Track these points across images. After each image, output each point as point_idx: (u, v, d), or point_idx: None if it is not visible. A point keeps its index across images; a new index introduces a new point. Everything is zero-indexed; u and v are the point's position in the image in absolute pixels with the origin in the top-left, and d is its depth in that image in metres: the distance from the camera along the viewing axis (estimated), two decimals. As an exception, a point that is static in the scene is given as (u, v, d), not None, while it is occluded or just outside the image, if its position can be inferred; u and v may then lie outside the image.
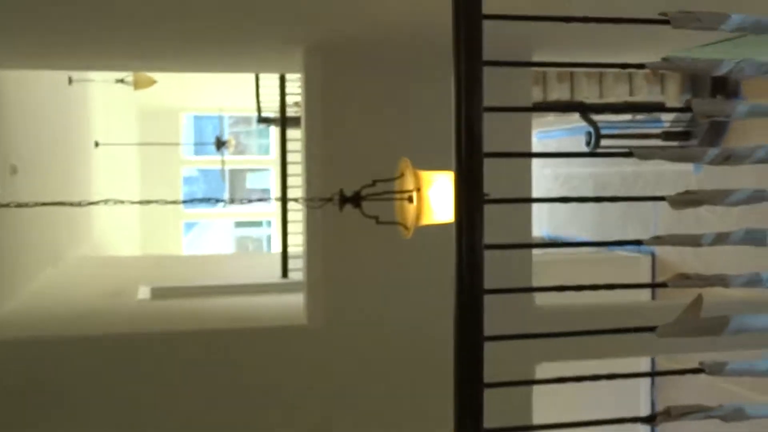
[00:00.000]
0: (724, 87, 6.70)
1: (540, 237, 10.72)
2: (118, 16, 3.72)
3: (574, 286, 1.66)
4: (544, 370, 4.33)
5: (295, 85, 6.70)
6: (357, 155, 4.33)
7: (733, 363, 1.66)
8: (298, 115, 5.96)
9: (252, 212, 16.47)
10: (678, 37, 4.12)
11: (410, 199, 2.78)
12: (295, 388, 4.48)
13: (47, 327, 4.85)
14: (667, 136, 7.15)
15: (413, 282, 4.34)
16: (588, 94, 7.09)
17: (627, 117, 7.32)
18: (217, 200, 2.84)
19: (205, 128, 17.46)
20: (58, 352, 4.34)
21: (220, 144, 11.20)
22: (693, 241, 1.66)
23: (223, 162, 11.62)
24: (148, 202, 2.69)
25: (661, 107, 6.89)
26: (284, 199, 5.58)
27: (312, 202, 2.90)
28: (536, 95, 7.16)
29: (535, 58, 4.41)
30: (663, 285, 1.64)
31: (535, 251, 7.85)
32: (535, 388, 4.75)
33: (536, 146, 10.95)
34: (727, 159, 1.62)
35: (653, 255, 8.22)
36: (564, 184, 10.43)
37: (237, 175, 17.62)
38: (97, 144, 10.72)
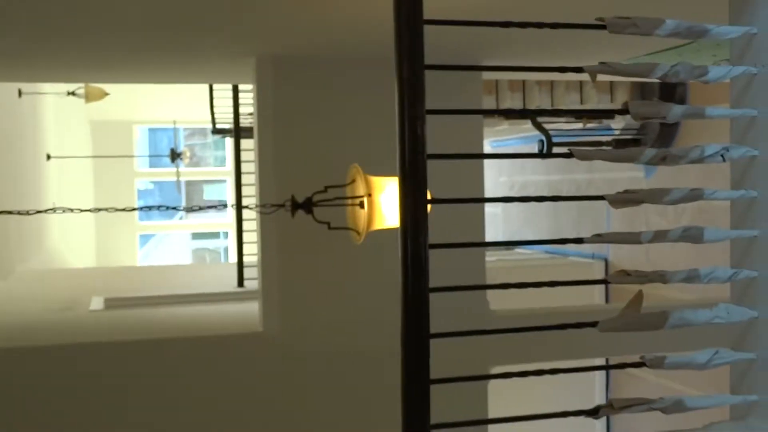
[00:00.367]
0: (671, 96, 6.85)
1: (496, 244, 10.81)
2: (65, 28, 3.70)
3: (519, 284, 1.70)
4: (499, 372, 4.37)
5: (249, 95, 6.69)
6: (310, 163, 4.35)
7: (673, 356, 1.71)
8: (252, 125, 5.97)
9: (209, 223, 16.39)
10: (641, 44, 4.23)
11: (361, 205, 2.81)
12: (250, 395, 4.47)
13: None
14: (617, 143, 7.29)
15: (367, 287, 4.36)
16: (540, 103, 7.20)
17: (578, 125, 7.45)
18: (168, 207, 2.84)
19: (160, 140, 17.33)
20: (6, 363, 4.28)
21: (174, 156, 11.13)
22: (633, 239, 1.71)
23: (178, 174, 11.54)
24: (98, 209, 2.68)
25: (606, 112, 7.01)
26: (239, 207, 5.57)
27: (264, 208, 2.92)
28: (489, 104, 7.24)
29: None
30: (605, 282, 1.68)
31: (491, 258, 7.94)
32: (493, 393, 4.81)
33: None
34: (664, 159, 1.68)
35: (606, 261, 8.35)
36: (520, 191, 10.56)
37: (193, 187, 17.51)
38: (48, 157, 10.59)
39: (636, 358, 1.79)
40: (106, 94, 9.42)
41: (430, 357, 1.55)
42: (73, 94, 9.30)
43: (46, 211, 2.63)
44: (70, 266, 11.02)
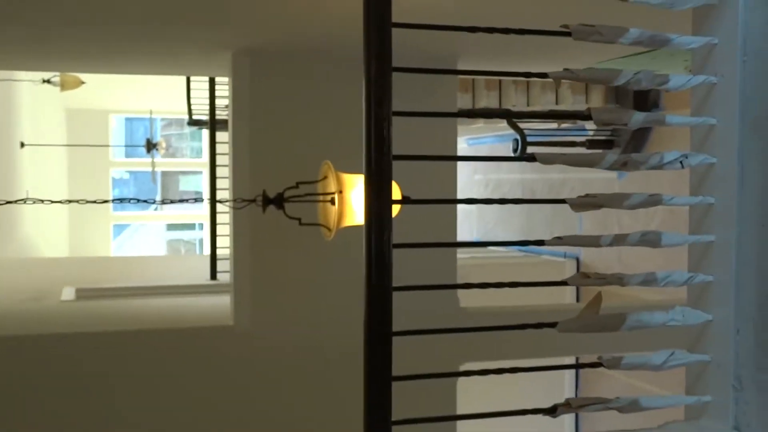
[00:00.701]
0: (645, 98, 6.92)
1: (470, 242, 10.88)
2: (42, 18, 3.69)
3: (481, 284, 1.73)
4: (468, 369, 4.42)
5: (225, 87, 6.69)
6: (284, 157, 4.37)
7: (629, 357, 1.75)
8: (228, 117, 5.96)
9: (184, 215, 16.33)
10: (615, 47, 4.28)
11: (332, 202, 2.84)
12: (220, 387, 4.49)
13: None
14: (591, 144, 7.35)
15: (337, 283, 4.39)
16: (515, 102, 7.25)
17: (553, 125, 7.50)
18: (140, 200, 2.85)
19: (137, 130, 17.24)
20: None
21: (150, 146, 11.08)
22: (593, 242, 1.75)
23: (153, 164, 11.49)
24: (69, 201, 2.68)
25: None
26: (212, 201, 5.57)
27: (236, 203, 2.93)
28: (465, 103, 7.28)
29: (461, 66, 4.51)
30: (563, 283, 1.72)
31: (465, 255, 7.99)
32: (466, 389, 4.85)
33: (467, 152, 11.12)
34: (624, 165, 1.72)
35: (578, 260, 8.42)
36: (494, 190, 10.62)
37: (169, 178, 17.44)
38: (22, 144, 10.50)
39: (622, 355, 1.83)
40: (82, 82, 9.35)
41: (392, 354, 1.58)
42: (48, 82, 9.23)
43: (16, 201, 2.63)
44: (43, 255, 10.95)
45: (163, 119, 16.43)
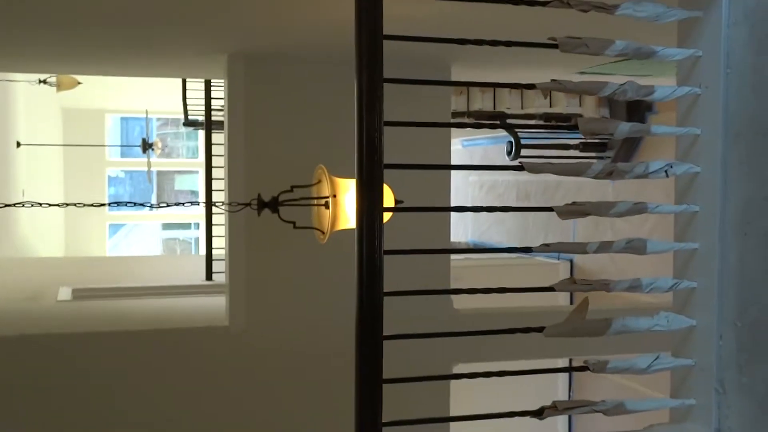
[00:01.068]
0: (639, 103, 6.97)
1: (466, 243, 10.93)
2: (39, 21, 3.72)
3: (469, 290, 1.77)
4: (461, 371, 4.47)
5: (221, 88, 6.72)
6: (278, 160, 4.41)
7: (615, 361, 1.79)
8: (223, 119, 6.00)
9: (180, 214, 16.34)
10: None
11: (326, 205, 2.87)
12: (214, 387, 4.52)
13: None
14: (585, 146, 7.40)
15: (331, 284, 4.42)
16: (510, 105, 7.29)
17: (548, 126, 7.54)
18: (136, 204, 2.88)
19: (132, 129, 17.25)
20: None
21: (146, 146, 11.10)
22: (579, 248, 1.79)
23: (149, 164, 11.51)
24: (67, 204, 2.72)
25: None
26: (208, 203, 5.61)
27: (231, 206, 2.97)
28: (460, 105, 7.33)
29: (454, 72, 4.55)
30: (550, 289, 1.76)
31: (459, 257, 8.03)
32: (461, 390, 4.89)
33: (462, 153, 11.17)
34: (610, 174, 1.76)
35: (572, 261, 8.47)
36: (489, 191, 10.66)
37: (165, 177, 17.45)
38: (18, 144, 10.52)
39: (608, 357, 1.87)
40: (79, 83, 9.37)
41: (383, 357, 1.62)
42: (44, 82, 9.25)
43: (15, 204, 2.67)
44: (39, 255, 10.97)
45: (158, 119, 16.45)
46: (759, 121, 1.69)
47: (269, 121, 4.53)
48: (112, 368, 4.42)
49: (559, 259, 8.47)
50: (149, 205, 3.03)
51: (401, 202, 2.81)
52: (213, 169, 6.65)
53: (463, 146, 11.04)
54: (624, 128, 1.75)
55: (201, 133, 12.51)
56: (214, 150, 6.68)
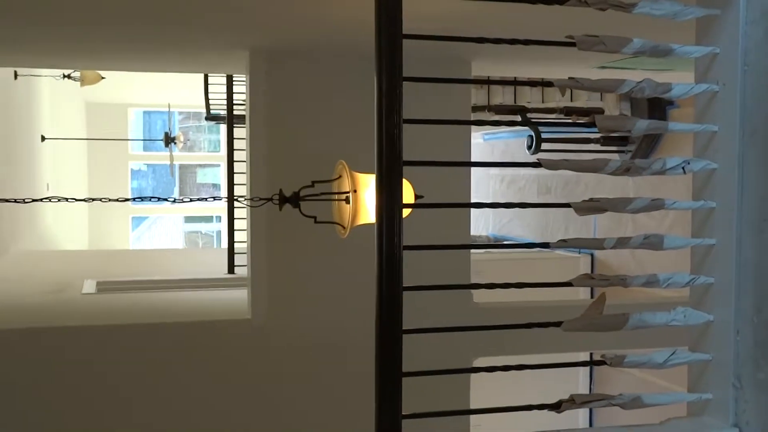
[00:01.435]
0: (660, 97, 6.93)
1: (486, 236, 10.93)
2: (65, 18, 3.78)
3: (487, 285, 1.79)
4: (481, 364, 4.49)
5: (242, 83, 6.77)
6: (299, 155, 4.44)
7: (633, 356, 1.81)
8: (245, 112, 6.04)
9: (202, 207, 16.44)
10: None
11: (347, 200, 2.90)
12: (237, 379, 4.57)
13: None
14: (606, 140, 7.38)
15: (351, 278, 4.45)
16: (530, 99, 7.29)
17: (568, 121, 7.53)
18: (160, 198, 2.93)
19: (155, 123, 17.37)
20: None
21: (168, 140, 11.18)
22: (597, 244, 1.81)
23: (171, 158, 11.60)
24: (92, 199, 2.77)
25: (599, 113, 7.10)
26: (230, 198, 5.66)
27: (253, 201, 3.01)
28: (480, 99, 7.34)
29: (474, 67, 4.56)
30: (568, 284, 1.78)
31: (479, 250, 8.04)
32: (482, 382, 4.91)
33: (483, 147, 11.16)
34: (627, 170, 1.78)
35: (592, 255, 8.46)
36: (510, 185, 10.66)
37: (187, 170, 17.58)
38: (43, 138, 10.65)
39: (627, 351, 1.89)
40: (102, 77, 9.47)
41: (402, 351, 1.65)
42: (68, 77, 9.36)
43: (41, 200, 2.72)
44: (63, 248, 11.10)
45: (180, 113, 16.56)
46: (776, 118, 1.70)
47: (290, 117, 4.56)
48: (136, 360, 4.49)
49: (579, 252, 8.46)
50: (172, 200, 3.07)
51: (421, 196, 2.84)
52: (234, 164, 6.70)
53: (484, 140, 11.04)
54: (641, 125, 1.76)
55: (222, 127, 12.61)
56: (236, 144, 6.72)
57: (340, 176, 2.98)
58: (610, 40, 1.72)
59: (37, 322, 4.75)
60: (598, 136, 7.39)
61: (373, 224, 2.98)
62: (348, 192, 2.89)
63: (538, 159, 1.69)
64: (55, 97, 11.99)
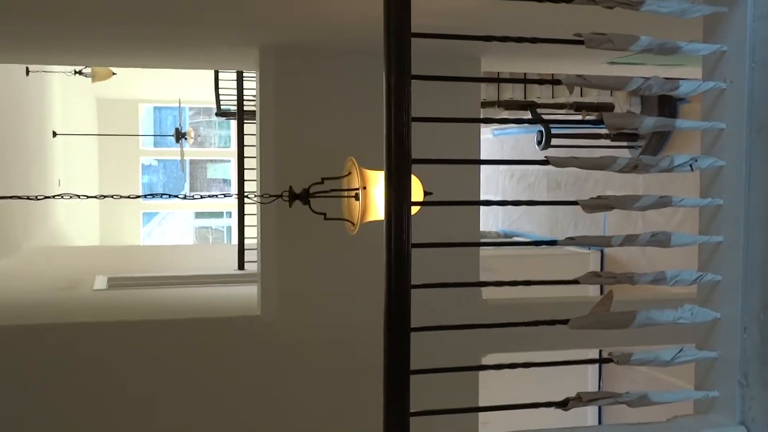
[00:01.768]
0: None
1: (495, 232, 10.93)
2: (76, 15, 3.80)
3: (496, 282, 1.80)
4: (489, 361, 4.50)
5: (253, 79, 6.78)
6: (309, 152, 4.46)
7: (639, 353, 1.82)
8: (255, 108, 6.06)
9: (212, 203, 16.49)
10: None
11: (356, 197, 2.91)
12: (246, 376, 4.60)
13: (0, 316, 4.91)
14: (616, 136, 7.37)
15: (361, 274, 4.46)
16: (540, 95, 7.28)
17: (578, 117, 7.52)
18: (171, 195, 2.95)
19: (165, 118, 17.43)
20: (11, 341, 4.40)
21: (179, 135, 11.23)
22: (604, 242, 1.82)
23: (182, 153, 11.64)
24: (104, 196, 2.79)
25: (609, 108, 7.09)
26: (240, 195, 5.68)
27: (263, 198, 3.02)
28: (490, 95, 7.33)
29: (484, 63, 4.56)
30: (575, 282, 1.79)
31: (489, 246, 8.04)
32: (490, 379, 4.93)
33: (493, 142, 11.15)
34: (635, 168, 1.78)
35: (602, 251, 8.45)
36: (520, 180, 10.65)
37: (198, 165, 17.63)
38: (54, 134, 10.71)
39: (636, 349, 1.90)
40: (113, 73, 9.51)
41: (410, 348, 1.66)
42: (80, 73, 9.40)
43: (54, 197, 2.74)
44: (75, 244, 11.16)
45: (191, 108, 16.61)
46: (784, 115, 1.70)
47: (300, 113, 4.58)
48: (147, 356, 4.51)
49: (589, 249, 8.45)
50: (183, 196, 3.09)
51: (430, 193, 2.85)
52: (245, 159, 6.72)
53: (493, 135, 11.03)
54: (649, 123, 1.76)
55: (233, 123, 12.65)
56: (246, 140, 6.74)
57: (350, 173, 2.99)
58: (618, 38, 1.73)
59: (49, 318, 4.78)
60: (607, 131, 7.37)
61: (382, 221, 3.00)
62: (357, 189, 2.90)
63: (546, 157, 1.70)
64: (67, 93, 12.05)
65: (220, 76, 8.18)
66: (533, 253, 8.12)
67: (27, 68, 8.74)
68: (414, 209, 1.67)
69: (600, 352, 7.97)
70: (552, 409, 1.80)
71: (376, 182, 2.94)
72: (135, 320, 4.67)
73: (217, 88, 8.15)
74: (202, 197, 3.08)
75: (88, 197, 2.68)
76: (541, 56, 4.81)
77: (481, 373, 4.91)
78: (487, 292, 4.96)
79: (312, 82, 4.57)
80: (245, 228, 6.72)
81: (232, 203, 13.68)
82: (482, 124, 6.80)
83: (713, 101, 1.84)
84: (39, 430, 4.40)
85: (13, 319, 4.74)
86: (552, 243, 1.79)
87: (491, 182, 11.09)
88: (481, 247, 5.27)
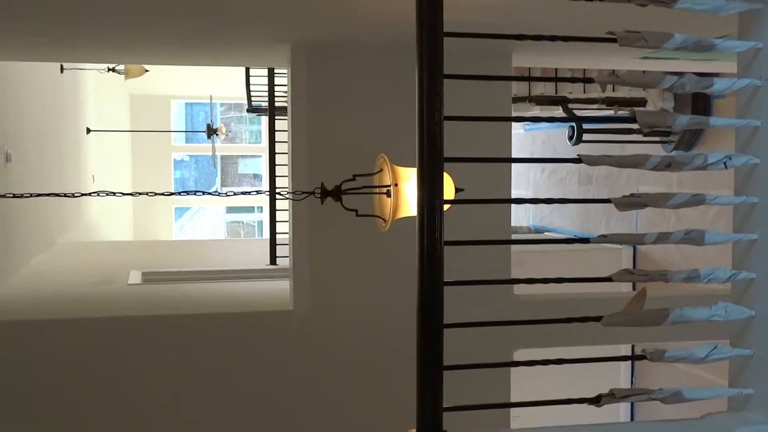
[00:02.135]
0: (704, 85, 6.84)
1: (527, 227, 10.89)
2: (111, 14, 3.84)
3: (527, 280, 1.81)
4: (521, 356, 4.50)
5: (284, 75, 6.82)
6: (340, 149, 4.48)
7: (672, 350, 1.82)
8: (286, 104, 6.09)
9: (244, 198, 16.61)
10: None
11: (388, 194, 2.93)
12: (278, 371, 4.63)
13: (38, 311, 4.99)
14: (648, 131, 7.31)
15: (393, 271, 4.48)
16: (572, 90, 7.24)
17: (610, 112, 7.47)
18: (204, 192, 2.99)
19: (197, 114, 17.56)
20: (48, 335, 4.48)
21: (211, 131, 11.31)
22: (637, 240, 1.82)
23: (214, 149, 11.73)
24: (139, 194, 2.83)
25: (641, 103, 7.04)
26: (272, 191, 5.72)
27: (295, 194, 3.05)
28: (521, 91, 7.31)
29: (515, 58, 4.55)
30: (608, 279, 1.79)
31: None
32: (522, 375, 4.92)
33: (524, 137, 11.11)
34: (669, 165, 1.78)
35: (635, 248, 8.38)
36: (551, 175, 10.60)
37: (229, 161, 17.75)
38: (88, 130, 10.84)
39: (669, 345, 1.90)
40: (146, 70, 9.60)
41: (443, 345, 1.68)
42: (113, 70, 9.50)
43: (90, 194, 2.79)
44: (109, 238, 11.30)
45: (222, 104, 16.72)
46: (820, 113, 1.69)
47: (332, 110, 4.60)
48: (180, 350, 4.57)
49: (622, 245, 8.39)
50: (217, 193, 3.13)
51: (462, 189, 2.86)
52: (276, 155, 6.76)
53: (525, 130, 10.99)
54: (682, 121, 1.76)
55: (264, 119, 12.72)
56: (277, 136, 6.78)
57: (381, 170, 3.01)
58: (651, 36, 1.72)
59: (84, 312, 4.86)
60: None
61: (414, 217, 3.01)
62: (389, 185, 2.92)
63: (579, 155, 1.71)
64: (100, 90, 12.19)
65: (251, 72, 8.23)
66: (565, 248, 8.07)
67: (61, 66, 8.85)
68: (445, 207, 1.68)
69: (633, 347, 7.93)
70: (584, 405, 1.81)
71: (408, 179, 2.96)
72: (169, 314, 4.73)
73: (248, 84, 8.20)
74: (234, 194, 3.12)
75: (123, 194, 2.72)
76: (574, 52, 4.78)
77: (513, 368, 4.91)
78: (519, 288, 4.96)
79: (343, 79, 4.59)
80: (277, 223, 6.77)
81: (263, 199, 13.76)
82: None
83: (748, 98, 1.83)
84: (74, 424, 4.47)
85: (50, 313, 4.82)
86: (584, 241, 1.80)
87: (522, 177, 11.05)
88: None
